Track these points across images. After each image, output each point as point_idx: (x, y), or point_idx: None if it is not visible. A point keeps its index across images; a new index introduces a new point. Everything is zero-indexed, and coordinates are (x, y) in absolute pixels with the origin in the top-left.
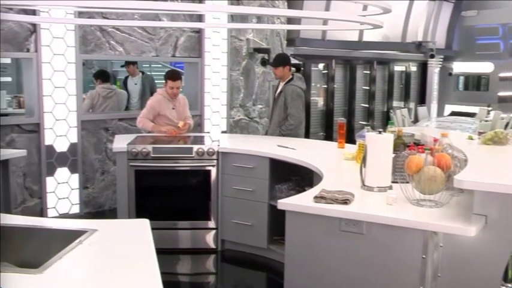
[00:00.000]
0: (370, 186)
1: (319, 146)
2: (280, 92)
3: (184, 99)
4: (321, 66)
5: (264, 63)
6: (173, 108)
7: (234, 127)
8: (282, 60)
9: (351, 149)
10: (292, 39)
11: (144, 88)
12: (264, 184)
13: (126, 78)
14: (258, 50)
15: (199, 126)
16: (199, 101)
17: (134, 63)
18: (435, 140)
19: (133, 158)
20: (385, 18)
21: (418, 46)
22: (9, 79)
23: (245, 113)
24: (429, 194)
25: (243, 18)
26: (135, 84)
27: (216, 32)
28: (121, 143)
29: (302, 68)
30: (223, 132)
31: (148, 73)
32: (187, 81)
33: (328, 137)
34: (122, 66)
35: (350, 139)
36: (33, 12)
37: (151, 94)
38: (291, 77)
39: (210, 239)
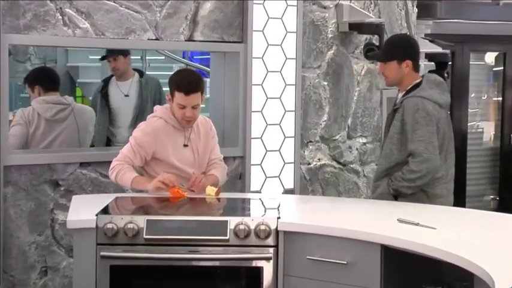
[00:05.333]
0: None
1: (485, 222)
2: (395, 109)
3: (208, 125)
4: (489, 57)
5: (370, 52)
6: (185, 145)
7: (311, 181)
8: (397, 49)
9: None
10: (428, 4)
11: (143, 103)
12: None
13: (106, 83)
14: (359, 28)
15: (239, 179)
16: (240, 130)
17: (125, 53)
18: None
19: (109, 243)
20: None
21: None
22: None
23: (333, 153)
24: None
25: None
26: (126, 95)
27: None
28: (84, 211)
29: (449, 62)
30: (287, 191)
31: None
32: (216, 89)
33: (507, 203)
34: (101, 58)
35: None
36: None
37: None
38: (418, 81)
39: None
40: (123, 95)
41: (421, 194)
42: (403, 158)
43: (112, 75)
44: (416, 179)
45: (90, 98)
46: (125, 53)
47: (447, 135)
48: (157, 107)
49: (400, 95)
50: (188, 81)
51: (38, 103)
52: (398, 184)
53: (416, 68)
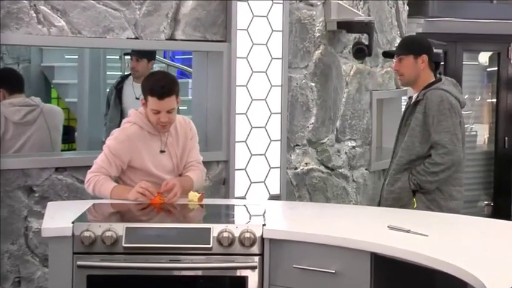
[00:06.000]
0: None
1: (479, 229)
2: (416, 101)
3: (187, 125)
4: (483, 57)
5: (359, 53)
6: (162, 151)
7: (298, 187)
8: (413, 44)
9: None
10: (419, 1)
11: None
12: None
13: (123, 80)
14: (348, 27)
15: (223, 184)
16: (224, 133)
17: (151, 58)
18: None
19: (86, 252)
20: None
21: None
22: None
23: (320, 157)
24: None
25: None
26: (137, 98)
27: None
28: (60, 218)
29: (442, 62)
30: (273, 197)
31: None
32: (199, 91)
33: (501, 209)
34: (126, 54)
35: None
36: None
37: None
38: (433, 80)
39: None
40: (135, 97)
41: (438, 193)
42: (424, 151)
43: (126, 76)
44: (439, 172)
45: (66, 99)
46: (151, 57)
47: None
48: (131, 111)
49: (417, 93)
50: (161, 86)
51: (4, 107)
52: (420, 178)
53: (431, 66)
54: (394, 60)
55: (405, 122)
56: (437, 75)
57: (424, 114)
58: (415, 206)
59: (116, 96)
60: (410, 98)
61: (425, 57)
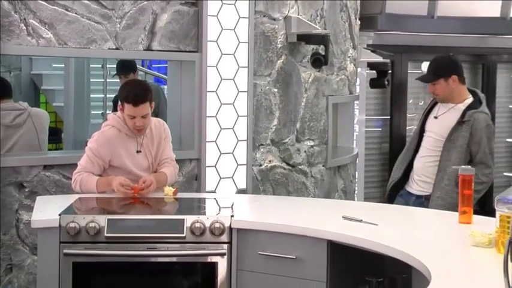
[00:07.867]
0: None
1: (422, 218)
2: (462, 122)
3: (161, 126)
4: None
5: (317, 62)
6: (138, 151)
7: (262, 182)
8: (441, 68)
9: (485, 225)
10: (369, 16)
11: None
12: None
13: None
14: (306, 39)
15: (195, 180)
16: (196, 134)
17: (132, 67)
18: None
19: (71, 241)
20: None
21: None
22: None
23: (282, 155)
24: None
25: None
26: None
27: (228, 5)
28: (48, 211)
29: (389, 70)
30: (240, 191)
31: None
32: (173, 96)
33: None
34: (120, 71)
35: (483, 206)
36: None
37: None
38: (471, 97)
39: None
40: None
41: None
42: (466, 164)
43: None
44: (482, 190)
45: (54, 104)
46: (132, 66)
47: None
48: (110, 116)
49: (459, 107)
50: (135, 93)
51: None
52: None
53: (462, 81)
54: (429, 85)
55: (449, 138)
56: (477, 91)
57: (470, 133)
58: None
59: (113, 109)
60: (435, 103)
61: (455, 77)
